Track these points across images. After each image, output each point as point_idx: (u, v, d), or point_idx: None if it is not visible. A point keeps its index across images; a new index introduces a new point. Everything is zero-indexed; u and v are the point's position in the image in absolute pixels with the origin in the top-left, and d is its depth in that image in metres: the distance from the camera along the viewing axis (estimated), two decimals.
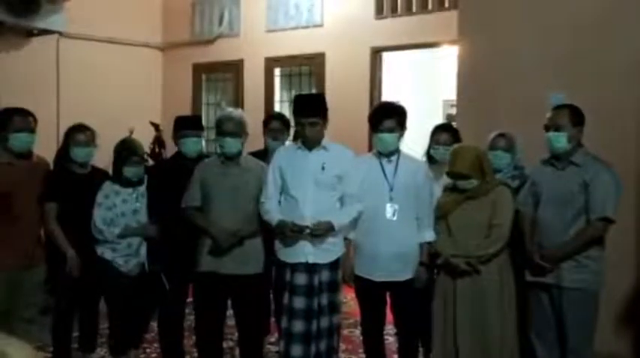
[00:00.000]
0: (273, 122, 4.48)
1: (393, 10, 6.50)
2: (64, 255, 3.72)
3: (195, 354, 3.95)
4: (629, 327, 4.18)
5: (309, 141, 3.45)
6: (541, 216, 3.44)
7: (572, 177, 3.35)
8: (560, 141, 3.36)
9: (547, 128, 3.42)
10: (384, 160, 3.55)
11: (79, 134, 3.85)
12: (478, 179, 3.40)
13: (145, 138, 6.30)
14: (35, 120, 3.74)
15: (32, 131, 3.71)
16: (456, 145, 3.64)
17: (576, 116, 3.38)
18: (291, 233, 3.34)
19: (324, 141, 3.47)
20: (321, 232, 3.34)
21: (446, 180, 3.71)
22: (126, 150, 3.87)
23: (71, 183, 3.82)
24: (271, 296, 4.03)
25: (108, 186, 3.84)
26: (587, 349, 3.36)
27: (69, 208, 3.76)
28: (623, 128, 4.16)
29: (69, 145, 3.85)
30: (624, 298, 4.17)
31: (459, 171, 3.40)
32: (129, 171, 3.82)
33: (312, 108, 3.46)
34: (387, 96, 6.57)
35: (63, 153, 3.90)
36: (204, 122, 4.65)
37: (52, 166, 3.94)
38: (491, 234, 3.37)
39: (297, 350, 3.34)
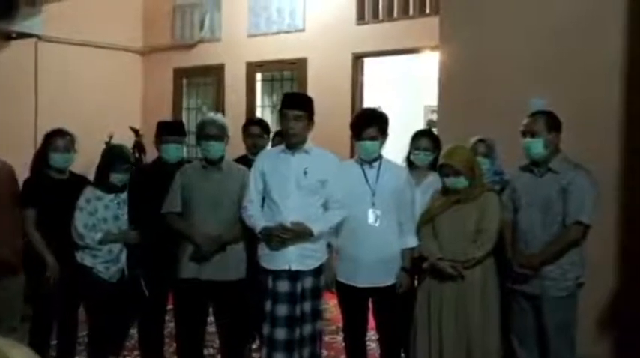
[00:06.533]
0: (252, 127, 4.47)
1: (375, 16, 6.52)
2: (44, 262, 3.66)
3: None
4: (610, 330, 4.22)
5: (291, 137, 3.37)
6: (521, 222, 3.45)
7: (551, 184, 3.37)
8: (537, 147, 3.39)
9: (523, 134, 3.45)
10: (366, 166, 3.54)
11: (58, 140, 3.77)
12: (467, 179, 3.38)
13: (124, 143, 6.24)
14: None
15: None
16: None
17: (552, 122, 3.40)
18: (277, 238, 3.30)
19: (307, 145, 3.43)
20: (297, 231, 3.28)
21: (426, 185, 3.72)
22: (116, 156, 3.82)
23: (50, 188, 3.75)
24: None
25: (90, 191, 3.78)
26: (568, 352, 3.38)
27: (47, 214, 3.69)
28: (606, 130, 4.19)
29: (48, 151, 3.78)
30: (605, 301, 4.20)
31: (452, 165, 3.37)
32: (116, 178, 3.76)
33: (299, 102, 3.44)
34: (369, 101, 6.60)
35: (41, 158, 3.83)
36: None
37: (29, 170, 3.87)
38: (478, 239, 3.37)
39: (280, 357, 3.31)
